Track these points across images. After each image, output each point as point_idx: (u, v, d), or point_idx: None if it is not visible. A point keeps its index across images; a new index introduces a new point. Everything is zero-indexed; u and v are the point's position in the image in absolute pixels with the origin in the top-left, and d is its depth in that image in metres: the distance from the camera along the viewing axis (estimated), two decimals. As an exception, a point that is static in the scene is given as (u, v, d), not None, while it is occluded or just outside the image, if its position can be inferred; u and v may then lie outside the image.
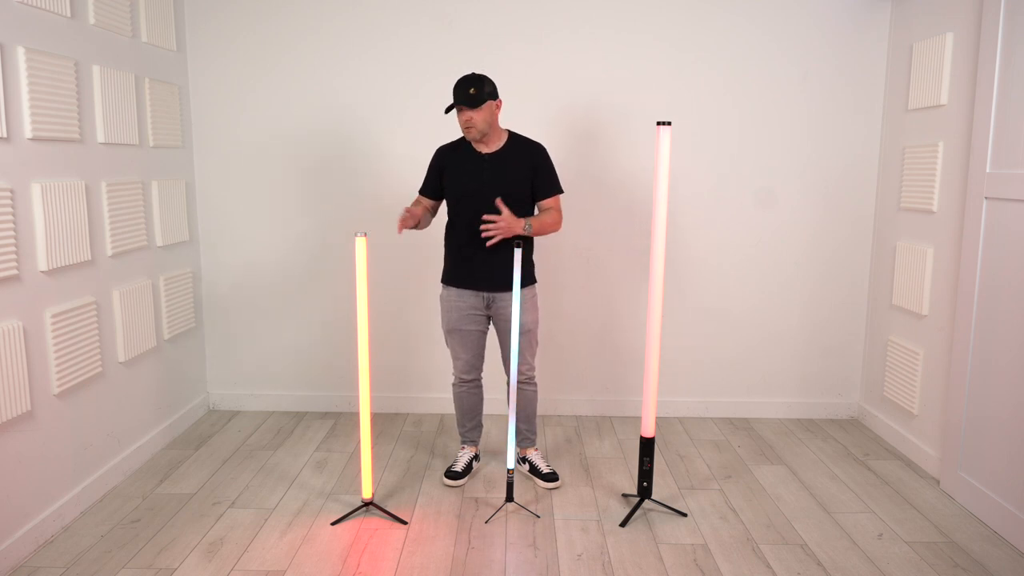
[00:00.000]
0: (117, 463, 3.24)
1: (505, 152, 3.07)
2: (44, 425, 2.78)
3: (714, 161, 3.96)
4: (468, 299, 3.13)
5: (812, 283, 4.06)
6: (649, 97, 3.90)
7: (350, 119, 3.93)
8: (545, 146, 3.18)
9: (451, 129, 3.62)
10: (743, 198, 3.99)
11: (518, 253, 2.87)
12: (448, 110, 3.02)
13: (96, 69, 3.08)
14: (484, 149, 3.07)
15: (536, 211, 3.16)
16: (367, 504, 2.99)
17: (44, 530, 2.75)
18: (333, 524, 2.90)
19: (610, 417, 4.14)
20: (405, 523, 2.92)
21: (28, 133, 2.68)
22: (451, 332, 3.20)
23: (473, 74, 2.98)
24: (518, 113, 3.73)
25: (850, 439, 3.85)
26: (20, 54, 2.63)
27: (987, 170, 2.99)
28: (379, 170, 3.97)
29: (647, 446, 2.98)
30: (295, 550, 2.72)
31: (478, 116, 2.96)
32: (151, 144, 3.52)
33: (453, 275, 3.16)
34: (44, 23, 2.78)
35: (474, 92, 2.92)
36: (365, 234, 2.82)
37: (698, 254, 4.03)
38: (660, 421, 4.07)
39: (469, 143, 3.08)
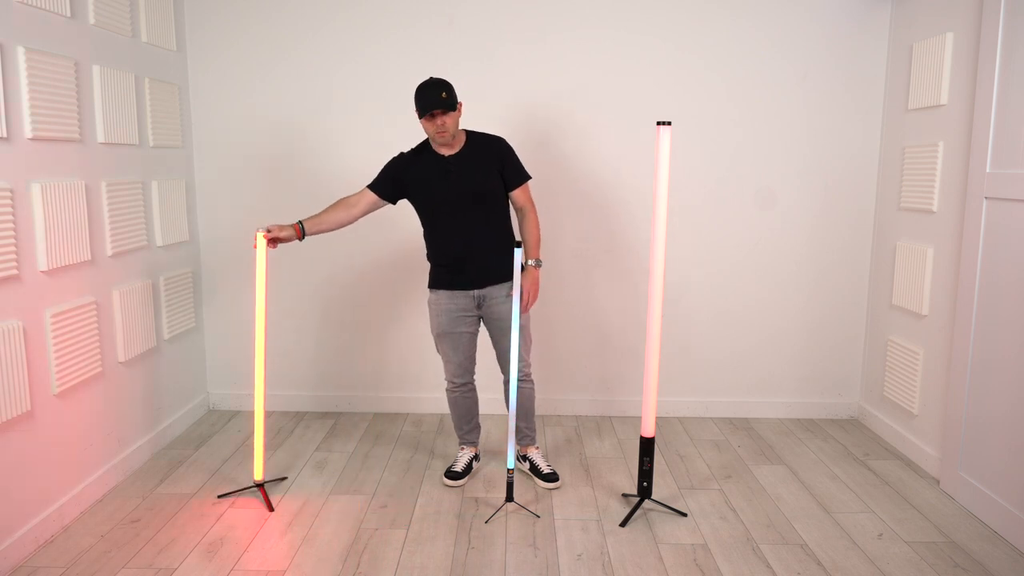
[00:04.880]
0: (117, 463, 3.24)
1: (468, 151, 3.04)
2: (44, 425, 2.78)
3: (714, 161, 3.95)
4: (459, 300, 3.11)
5: (812, 283, 4.06)
6: (649, 97, 3.90)
7: (350, 119, 3.93)
8: (505, 137, 3.16)
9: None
10: (743, 198, 3.98)
11: (519, 253, 2.86)
12: (422, 115, 2.89)
13: (96, 69, 3.08)
14: (447, 151, 3.03)
15: (509, 203, 3.15)
16: (257, 485, 3.11)
17: (44, 530, 2.75)
18: (219, 497, 3.10)
19: (610, 417, 4.14)
20: (272, 510, 3.00)
21: (28, 133, 2.68)
22: (441, 336, 3.17)
23: (435, 79, 2.91)
24: (519, 113, 3.73)
25: (850, 439, 3.85)
26: (20, 54, 2.63)
27: (987, 170, 2.99)
28: (379, 170, 3.96)
29: (647, 446, 2.98)
30: (295, 550, 2.72)
31: (451, 120, 2.91)
32: (151, 144, 3.52)
33: (444, 280, 3.13)
34: (44, 23, 2.78)
35: (446, 96, 2.87)
36: (267, 231, 2.95)
37: (698, 254, 4.03)
38: (660, 421, 4.07)
39: (429, 150, 3.05)
